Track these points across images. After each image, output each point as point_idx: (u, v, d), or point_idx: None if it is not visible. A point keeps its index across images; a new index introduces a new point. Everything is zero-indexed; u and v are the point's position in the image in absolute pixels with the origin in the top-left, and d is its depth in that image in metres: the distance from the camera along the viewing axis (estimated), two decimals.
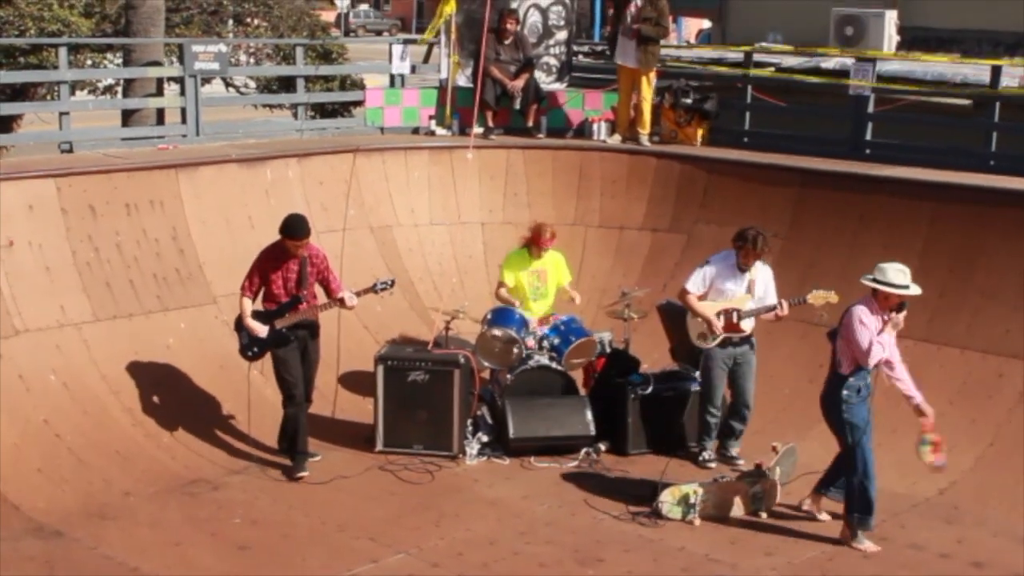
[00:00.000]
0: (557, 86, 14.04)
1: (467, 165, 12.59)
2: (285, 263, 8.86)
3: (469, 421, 9.64)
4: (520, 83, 13.27)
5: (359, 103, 14.52)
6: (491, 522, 8.34)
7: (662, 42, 13.33)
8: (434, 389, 9.39)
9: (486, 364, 9.92)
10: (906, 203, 10.84)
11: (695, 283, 9.16)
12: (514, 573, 7.60)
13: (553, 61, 14.07)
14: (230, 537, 8.00)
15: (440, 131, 13.37)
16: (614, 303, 10.30)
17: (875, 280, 7.67)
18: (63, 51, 11.69)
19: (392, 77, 13.89)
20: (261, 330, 8.88)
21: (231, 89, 17.99)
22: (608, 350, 10.19)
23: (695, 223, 12.07)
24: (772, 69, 14.63)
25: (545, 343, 9.99)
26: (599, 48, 17.84)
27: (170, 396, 9.58)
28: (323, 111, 16.15)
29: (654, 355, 10.49)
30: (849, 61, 13.25)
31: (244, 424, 9.49)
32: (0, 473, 8.18)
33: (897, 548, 7.96)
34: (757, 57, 14.49)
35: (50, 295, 9.53)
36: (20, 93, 15.72)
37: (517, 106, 13.40)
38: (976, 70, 13.61)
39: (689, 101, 13.20)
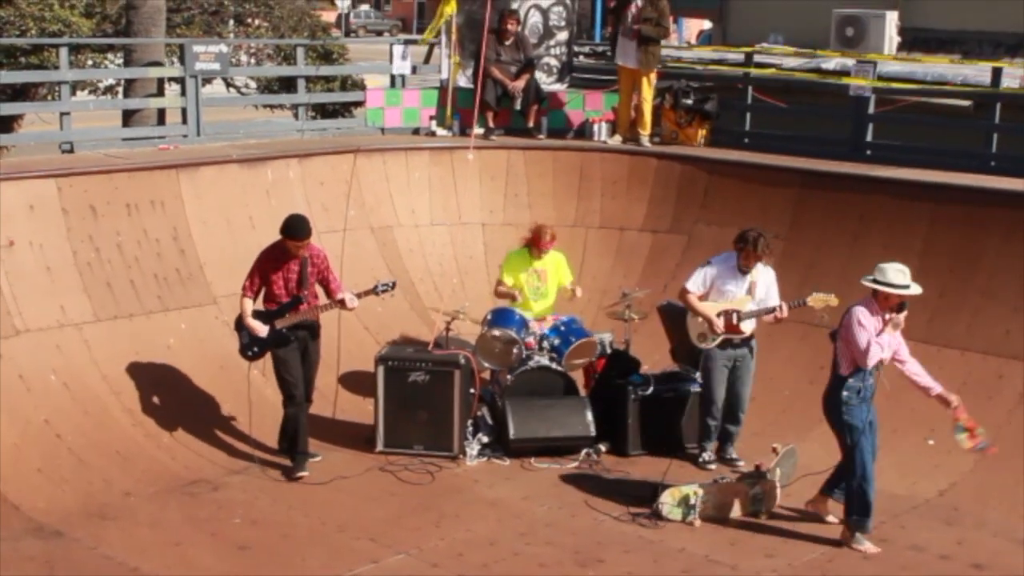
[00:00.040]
0: (558, 87, 14.04)
1: (468, 166, 12.60)
2: (286, 263, 8.87)
3: (469, 422, 9.64)
4: (521, 84, 13.27)
5: (360, 103, 14.52)
6: (491, 523, 8.34)
7: (663, 43, 13.33)
8: (434, 390, 9.39)
9: (486, 365, 9.92)
10: (906, 204, 10.84)
11: (695, 283, 9.16)
12: (514, 574, 7.59)
13: (554, 62, 14.07)
14: (230, 537, 8.00)
15: (441, 132, 13.37)
16: (614, 304, 10.30)
17: (875, 281, 7.68)
18: (64, 51, 11.69)
19: (393, 78, 13.90)
20: (261, 330, 8.88)
21: (232, 89, 18.01)
22: (608, 351, 10.19)
23: (695, 224, 12.07)
24: (773, 70, 14.63)
25: (545, 344, 9.99)
26: (600, 49, 17.85)
27: (170, 396, 9.59)
28: (324, 111, 16.16)
29: (654, 356, 10.48)
30: (850, 62, 13.26)
31: (244, 424, 9.49)
32: (0, 473, 8.18)
33: (897, 549, 7.95)
34: (758, 58, 14.51)
35: (51, 295, 9.53)
36: (21, 93, 15.73)
37: (518, 107, 13.40)
38: (977, 71, 13.62)
39: (690, 102, 13.21)
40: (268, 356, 9.07)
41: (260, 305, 9.01)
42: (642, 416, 9.58)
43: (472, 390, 9.61)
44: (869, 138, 12.50)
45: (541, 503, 8.69)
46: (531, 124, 13.39)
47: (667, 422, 9.63)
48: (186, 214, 10.67)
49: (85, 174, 10.29)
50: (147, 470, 8.84)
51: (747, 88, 13.54)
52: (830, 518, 8.23)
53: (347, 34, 52.39)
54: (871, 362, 7.64)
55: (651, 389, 9.58)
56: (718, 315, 9.07)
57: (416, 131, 13.48)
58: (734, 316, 9.03)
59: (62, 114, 11.69)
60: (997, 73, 12.18)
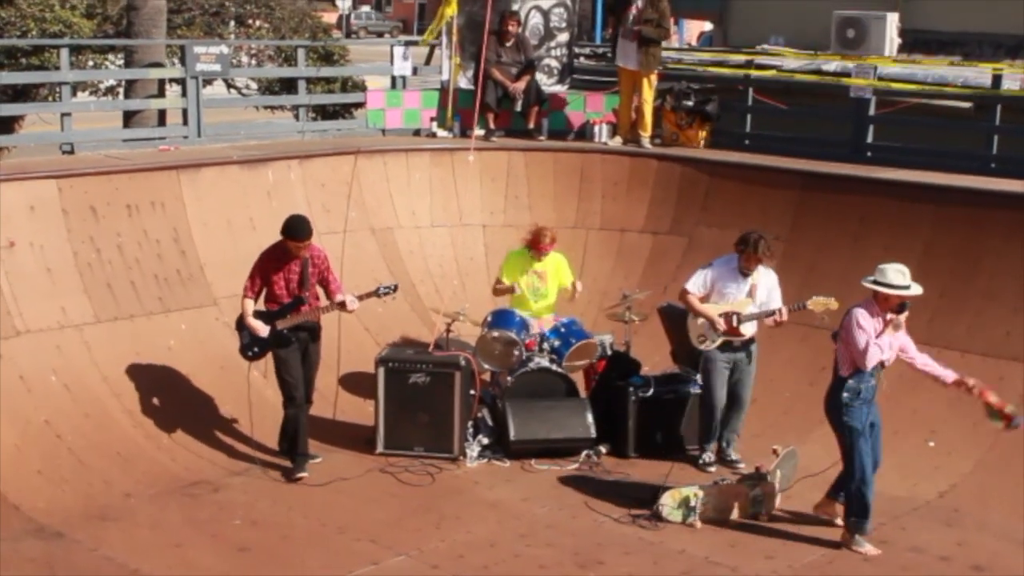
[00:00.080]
0: (558, 88, 14.04)
1: (468, 167, 12.59)
2: (287, 264, 8.87)
3: (470, 423, 9.64)
4: (521, 85, 13.26)
5: (360, 105, 14.52)
6: (491, 524, 8.34)
7: (663, 44, 13.33)
8: (435, 391, 9.39)
9: (486, 366, 9.93)
10: (907, 205, 10.84)
11: (695, 284, 9.16)
12: (514, 575, 7.59)
13: (554, 63, 14.07)
14: (230, 539, 8.00)
15: (441, 133, 13.38)
16: (615, 305, 10.30)
17: (875, 282, 7.68)
18: (65, 52, 11.69)
19: (393, 79, 13.90)
20: (263, 329, 8.88)
21: (233, 90, 18.00)
22: (609, 352, 10.19)
23: (696, 225, 12.07)
24: (773, 71, 14.63)
25: (546, 345, 9.99)
26: (600, 50, 17.85)
27: (171, 397, 9.59)
28: (324, 113, 16.15)
29: (655, 358, 10.49)
30: (850, 65, 13.25)
31: (245, 426, 9.49)
32: (0, 474, 8.19)
33: (897, 551, 7.95)
34: (758, 59, 14.50)
35: (51, 296, 9.54)
36: (22, 94, 15.71)
37: (518, 108, 13.39)
38: (977, 72, 13.62)
39: (690, 103, 13.20)
40: (268, 357, 9.08)
41: (261, 306, 9.01)
42: (642, 418, 9.58)
43: (472, 392, 9.61)
44: (870, 140, 12.50)
45: (541, 505, 8.69)
46: (532, 126, 13.39)
47: (667, 424, 9.63)
48: (187, 215, 10.67)
49: (86, 175, 10.31)
50: (147, 471, 8.84)
51: (747, 90, 13.53)
52: (839, 521, 8.19)
53: (348, 35, 52.46)
54: (870, 363, 7.64)
55: (651, 391, 9.58)
56: (719, 316, 9.06)
57: (417, 132, 13.49)
58: (734, 318, 9.03)
59: (63, 115, 11.69)
60: (998, 76, 12.18)
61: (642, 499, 8.56)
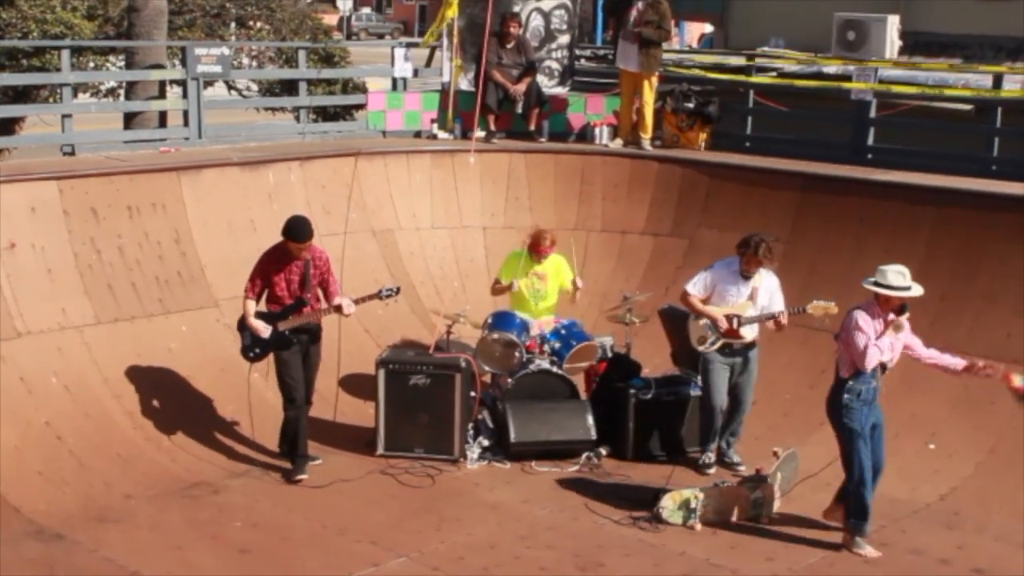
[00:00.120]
0: (559, 90, 14.03)
1: (469, 169, 12.60)
2: (288, 265, 8.87)
3: (470, 425, 9.64)
4: (522, 87, 13.26)
5: (361, 106, 14.52)
6: (492, 526, 8.34)
7: (664, 46, 13.33)
8: (435, 393, 9.38)
9: (487, 368, 9.93)
10: (908, 208, 10.85)
11: (695, 285, 9.15)
12: None
13: (555, 65, 14.07)
14: (231, 540, 8.00)
15: (442, 135, 13.37)
16: (615, 307, 10.30)
17: (875, 283, 7.67)
18: (66, 54, 11.69)
19: (394, 81, 13.90)
20: (264, 330, 8.88)
21: (233, 92, 17.99)
22: (609, 354, 10.19)
23: (697, 227, 12.07)
24: (774, 74, 14.63)
25: (546, 347, 9.99)
26: (601, 52, 17.85)
27: (171, 399, 9.59)
28: (325, 114, 16.15)
29: (655, 360, 10.49)
30: (851, 67, 13.26)
31: (245, 427, 9.50)
32: (1, 475, 8.18)
33: (898, 553, 7.95)
34: (759, 61, 14.50)
35: (52, 297, 9.54)
36: (22, 95, 15.72)
37: (519, 110, 13.38)
38: (979, 75, 13.62)
39: (691, 105, 13.21)
40: (269, 358, 9.08)
41: (263, 307, 9.00)
42: (643, 420, 9.57)
43: (473, 393, 9.62)
44: (870, 142, 12.50)
45: (542, 506, 8.69)
46: (532, 127, 13.39)
47: (668, 426, 9.63)
48: (187, 217, 10.68)
49: (86, 176, 10.31)
50: (148, 473, 8.84)
51: (748, 92, 13.53)
52: None
53: (348, 37, 52.51)
54: (869, 364, 7.64)
55: (652, 393, 9.58)
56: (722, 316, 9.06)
57: (417, 134, 13.48)
58: (735, 321, 9.03)
59: (64, 116, 11.68)
60: (998, 78, 12.18)
61: (643, 501, 8.56)
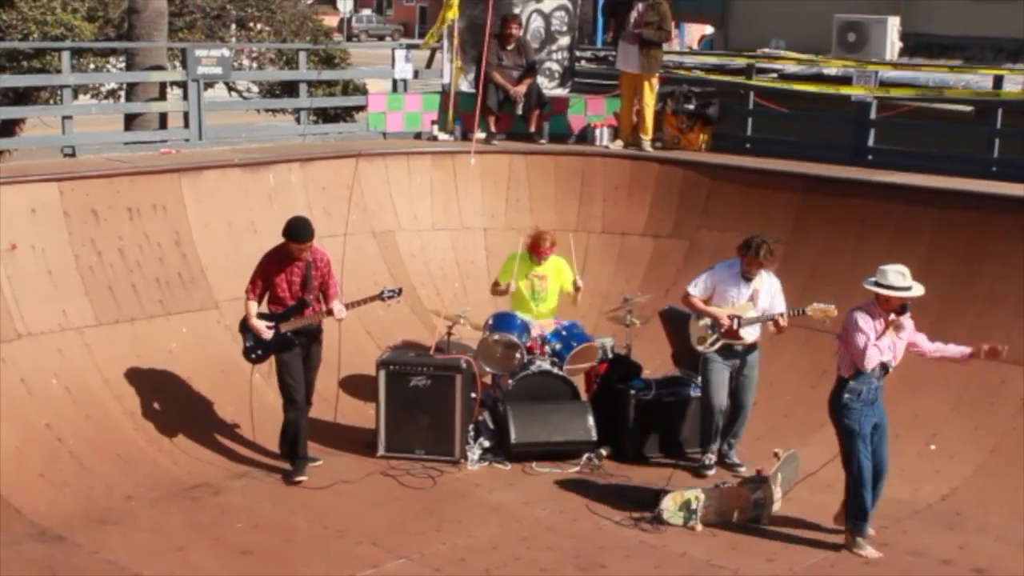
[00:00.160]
0: (560, 91, 14.04)
1: (469, 170, 12.59)
2: (289, 266, 8.87)
3: (471, 426, 9.64)
4: (523, 88, 13.26)
5: (362, 108, 14.52)
6: (493, 527, 8.34)
7: (664, 47, 13.34)
8: (436, 394, 9.38)
9: (488, 369, 9.92)
10: (908, 209, 10.85)
11: (696, 286, 9.15)
12: None
13: (556, 66, 14.08)
14: (232, 542, 7.99)
15: (442, 136, 13.38)
16: (616, 309, 10.30)
17: (876, 284, 7.67)
18: (66, 55, 11.69)
19: (395, 82, 13.90)
20: (266, 331, 8.88)
21: (234, 93, 18.01)
22: (610, 356, 10.19)
23: (697, 229, 12.07)
24: (775, 76, 14.64)
25: (547, 348, 9.98)
26: (602, 54, 17.86)
27: (172, 400, 9.58)
28: (326, 116, 16.16)
29: (656, 361, 10.49)
30: (852, 69, 13.27)
31: (246, 429, 9.50)
32: (1, 477, 8.18)
33: (899, 554, 7.95)
34: (759, 63, 14.50)
35: (52, 299, 9.54)
36: (23, 97, 15.74)
37: (519, 111, 13.39)
38: (979, 76, 13.63)
39: (691, 107, 13.22)
40: (269, 359, 9.07)
41: (265, 308, 9.00)
42: (643, 421, 9.58)
43: (473, 394, 9.61)
44: (871, 143, 12.51)
45: (542, 507, 8.69)
46: (533, 129, 13.39)
47: (668, 427, 9.63)
48: (188, 218, 10.67)
49: (87, 178, 10.30)
50: (148, 474, 8.84)
51: (748, 93, 13.53)
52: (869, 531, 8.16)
53: (349, 38, 52.52)
54: (868, 364, 7.64)
55: (652, 393, 9.58)
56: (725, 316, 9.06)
57: (418, 135, 13.49)
58: (735, 321, 9.02)
59: (64, 118, 11.69)
60: (999, 79, 12.19)
61: (643, 502, 8.56)
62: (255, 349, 9.00)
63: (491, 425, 9.77)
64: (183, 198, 10.73)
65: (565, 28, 14.08)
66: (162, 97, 13.99)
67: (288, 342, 8.91)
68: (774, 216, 11.35)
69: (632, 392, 9.56)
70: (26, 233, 9.63)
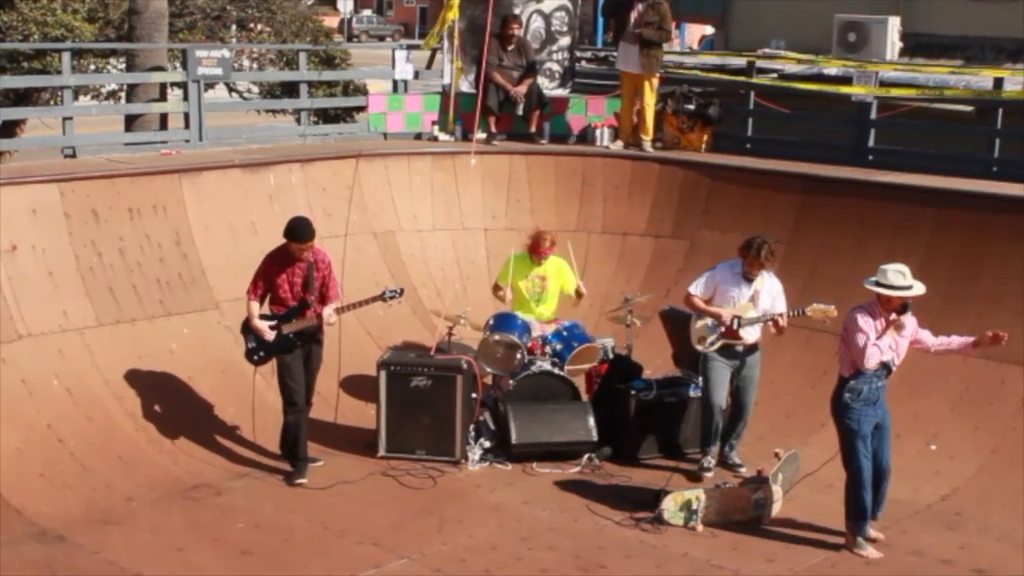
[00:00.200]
0: (560, 92, 14.04)
1: (470, 171, 12.59)
2: (290, 267, 8.86)
3: (471, 427, 9.64)
4: (523, 89, 13.27)
5: (362, 109, 14.53)
6: (493, 528, 8.34)
7: (664, 47, 13.33)
8: (437, 394, 9.38)
9: (488, 369, 9.92)
10: (909, 209, 10.85)
11: (697, 286, 9.15)
12: None
13: (556, 67, 14.08)
14: (232, 542, 8.00)
15: (443, 137, 13.38)
16: (616, 309, 10.31)
17: (876, 283, 7.67)
18: (66, 56, 11.69)
19: (395, 83, 13.91)
20: (269, 332, 8.87)
21: (234, 94, 18.00)
22: (610, 356, 10.19)
23: (698, 229, 12.07)
24: (775, 75, 14.64)
25: (548, 348, 9.98)
26: (602, 54, 17.86)
27: (172, 401, 9.58)
28: (326, 116, 16.15)
29: (656, 361, 10.49)
30: (852, 69, 13.27)
31: (246, 429, 9.50)
32: (2, 478, 8.18)
33: (899, 554, 7.95)
34: (760, 63, 14.50)
35: (53, 299, 9.54)
36: (23, 98, 15.73)
37: (520, 112, 13.39)
38: (980, 77, 13.63)
39: (692, 107, 13.22)
40: (271, 360, 9.07)
41: (266, 309, 9.00)
42: (644, 421, 9.58)
43: (474, 395, 9.62)
44: (871, 143, 12.51)
45: (543, 508, 8.69)
46: (533, 129, 13.40)
47: (669, 427, 9.63)
48: (188, 219, 10.68)
49: (87, 179, 10.31)
50: (149, 475, 8.84)
51: (749, 93, 13.53)
52: (873, 534, 8.11)
53: (349, 39, 52.52)
54: (869, 364, 7.64)
55: (653, 394, 9.58)
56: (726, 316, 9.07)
57: (418, 136, 13.49)
58: (735, 321, 9.02)
59: (65, 119, 11.70)
60: (999, 80, 12.20)
61: (644, 502, 8.57)
62: (257, 351, 9.00)
63: (492, 425, 9.77)
64: (183, 199, 10.73)
65: (565, 28, 14.08)
66: (163, 98, 13.98)
67: (289, 343, 8.91)
68: (774, 216, 11.35)
69: (633, 392, 9.56)
70: (27, 234, 9.63)
